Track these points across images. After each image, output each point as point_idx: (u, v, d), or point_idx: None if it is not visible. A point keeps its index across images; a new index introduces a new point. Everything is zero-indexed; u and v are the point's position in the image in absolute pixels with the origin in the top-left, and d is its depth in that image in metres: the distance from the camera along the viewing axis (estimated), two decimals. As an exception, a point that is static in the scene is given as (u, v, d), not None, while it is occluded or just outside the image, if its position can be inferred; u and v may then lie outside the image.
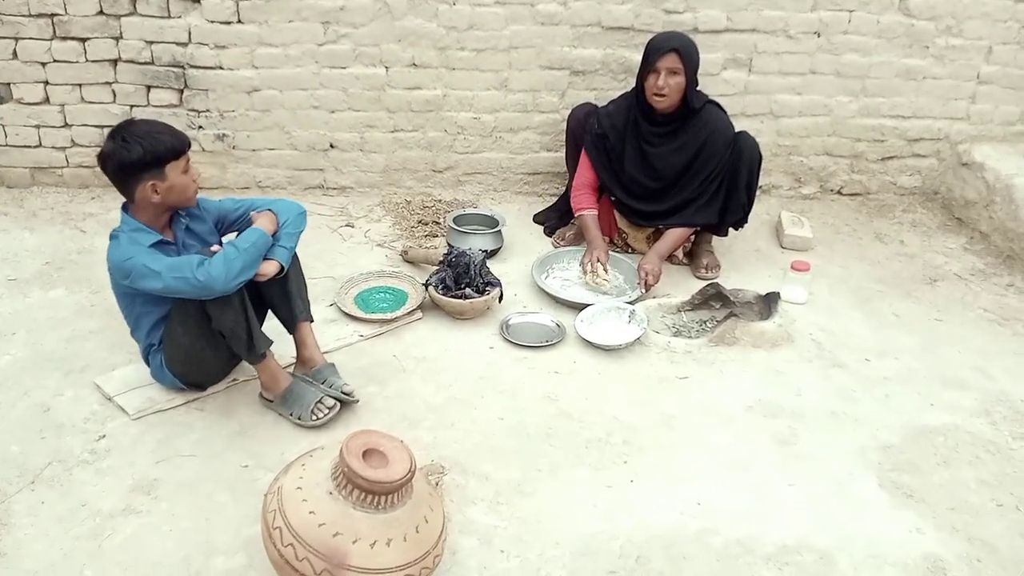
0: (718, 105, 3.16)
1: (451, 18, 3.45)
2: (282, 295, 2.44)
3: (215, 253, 2.20)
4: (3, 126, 3.50)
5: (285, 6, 3.35)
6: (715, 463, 2.34)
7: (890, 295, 3.26)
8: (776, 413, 2.56)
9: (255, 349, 2.28)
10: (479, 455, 2.32)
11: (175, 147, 2.19)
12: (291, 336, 2.53)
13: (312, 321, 2.53)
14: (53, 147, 3.56)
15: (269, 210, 2.42)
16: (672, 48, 2.91)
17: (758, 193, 3.91)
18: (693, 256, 3.35)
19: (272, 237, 2.34)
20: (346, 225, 3.55)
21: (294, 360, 2.56)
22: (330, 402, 2.37)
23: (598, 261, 3.11)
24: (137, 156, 2.15)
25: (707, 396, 2.62)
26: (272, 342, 2.36)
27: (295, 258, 2.46)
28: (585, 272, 3.13)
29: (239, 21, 3.37)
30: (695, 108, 3.05)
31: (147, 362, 2.44)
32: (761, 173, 3.84)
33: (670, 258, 3.36)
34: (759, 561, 2.03)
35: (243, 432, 2.36)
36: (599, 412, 2.52)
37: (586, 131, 3.24)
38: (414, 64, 3.53)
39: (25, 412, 2.39)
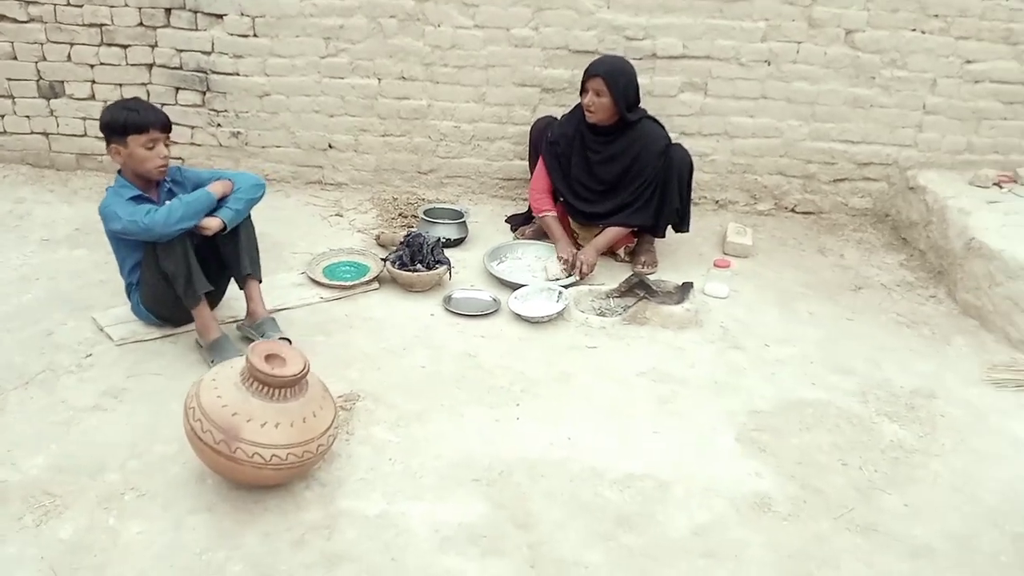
0: (655, 120, 3.55)
1: (436, 38, 3.95)
2: (233, 253, 2.86)
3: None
4: (56, 117, 4.14)
5: (293, 23, 3.91)
6: (594, 412, 2.69)
7: (812, 298, 3.55)
8: (665, 380, 2.89)
9: (193, 291, 2.71)
10: (394, 390, 2.73)
11: (137, 123, 2.65)
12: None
13: (260, 281, 2.94)
14: (96, 137, 4.16)
15: (228, 179, 2.88)
16: (596, 73, 3.35)
17: (714, 207, 4.29)
18: (634, 254, 3.71)
19: (222, 200, 2.80)
20: (336, 215, 4.05)
21: (234, 319, 3.01)
22: None
23: (575, 255, 3.50)
24: (105, 121, 2.70)
25: (607, 363, 2.97)
26: (211, 288, 2.79)
27: (249, 223, 2.90)
28: (561, 262, 3.50)
29: (255, 35, 3.94)
30: (630, 122, 3.45)
31: (129, 298, 2.94)
32: (718, 189, 4.23)
33: (614, 255, 3.74)
34: (605, 483, 2.37)
35: (201, 361, 2.81)
36: (509, 367, 2.90)
37: (543, 139, 3.68)
38: (403, 77, 4.03)
39: (33, 335, 2.92)
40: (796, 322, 3.34)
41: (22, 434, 2.43)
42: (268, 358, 2.19)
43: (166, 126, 2.75)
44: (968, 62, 3.95)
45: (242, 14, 3.89)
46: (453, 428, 2.56)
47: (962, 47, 3.92)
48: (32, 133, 4.19)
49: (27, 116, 4.14)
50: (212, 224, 2.75)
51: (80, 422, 2.50)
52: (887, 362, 3.09)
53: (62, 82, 4.07)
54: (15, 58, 4.01)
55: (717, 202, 4.30)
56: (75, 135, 4.18)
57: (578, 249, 3.61)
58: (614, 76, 3.36)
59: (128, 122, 2.69)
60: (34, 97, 4.10)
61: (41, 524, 2.11)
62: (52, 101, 4.11)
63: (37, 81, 4.07)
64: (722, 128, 4.13)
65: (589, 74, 3.39)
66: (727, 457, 2.52)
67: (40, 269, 3.38)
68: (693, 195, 4.19)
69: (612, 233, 3.57)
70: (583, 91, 3.42)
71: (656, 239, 3.75)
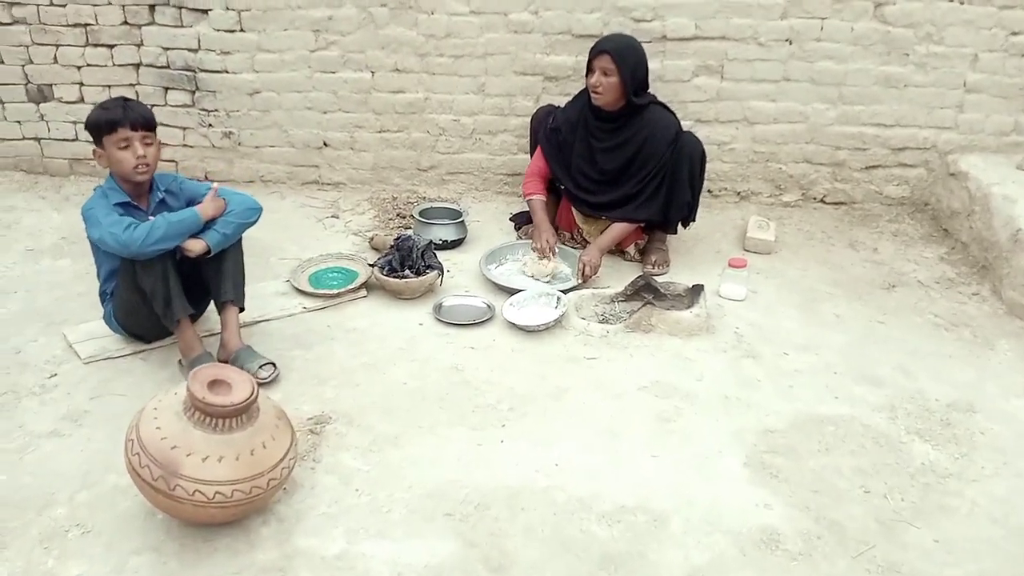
0: (665, 106, 3.28)
1: (430, 27, 3.72)
2: (216, 275, 2.67)
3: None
4: (47, 122, 4.02)
5: (280, 16, 3.72)
6: (587, 432, 2.45)
7: (839, 298, 3.24)
8: (669, 394, 2.63)
9: (171, 313, 2.54)
10: (370, 410, 2.52)
11: (108, 121, 2.49)
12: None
13: (241, 309, 2.74)
14: (88, 141, 4.02)
15: (221, 198, 2.68)
16: (604, 50, 3.09)
17: (736, 199, 4.01)
18: (644, 252, 3.45)
19: (212, 221, 2.60)
20: (331, 216, 3.85)
21: (210, 332, 2.82)
22: None
23: (546, 244, 3.30)
24: (86, 123, 2.58)
25: (606, 376, 2.72)
26: (191, 311, 2.62)
27: (238, 248, 2.71)
28: (536, 251, 3.31)
29: (241, 30, 3.76)
30: (637, 107, 3.18)
31: (103, 305, 2.78)
32: (739, 179, 3.94)
33: (622, 254, 3.48)
34: (593, 517, 2.13)
35: (172, 380, 2.65)
36: (498, 383, 2.67)
37: (543, 126, 3.44)
38: (397, 69, 3.81)
39: (1, 352, 2.78)
40: (820, 326, 3.04)
41: (-28, 464, 2.29)
42: (212, 384, 2.00)
43: (138, 123, 2.53)
44: (1013, 34, 3.58)
45: (227, 8, 3.71)
46: (430, 453, 2.35)
47: (1006, 18, 3.55)
48: (24, 139, 4.08)
49: (17, 121, 4.03)
50: (196, 247, 2.56)
51: (35, 449, 2.35)
52: (921, 371, 2.78)
53: (50, 85, 3.95)
54: (1, 62, 3.89)
55: (739, 194, 3.99)
56: (66, 139, 4.05)
57: (583, 247, 3.38)
58: (622, 53, 3.09)
59: (100, 122, 2.54)
60: (23, 101, 3.99)
61: (-25, 566, 1.96)
62: (41, 105, 3.99)
63: (25, 85, 3.95)
64: (741, 114, 3.82)
65: (596, 51, 3.14)
66: (733, 484, 2.26)
67: (19, 281, 3.25)
68: (712, 187, 3.96)
69: (617, 230, 3.32)
70: (589, 71, 3.16)
71: (668, 236, 3.49)
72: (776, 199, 4.00)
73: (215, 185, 2.70)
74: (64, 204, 3.94)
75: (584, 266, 3.20)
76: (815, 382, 2.71)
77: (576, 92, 3.42)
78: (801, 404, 2.60)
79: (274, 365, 2.66)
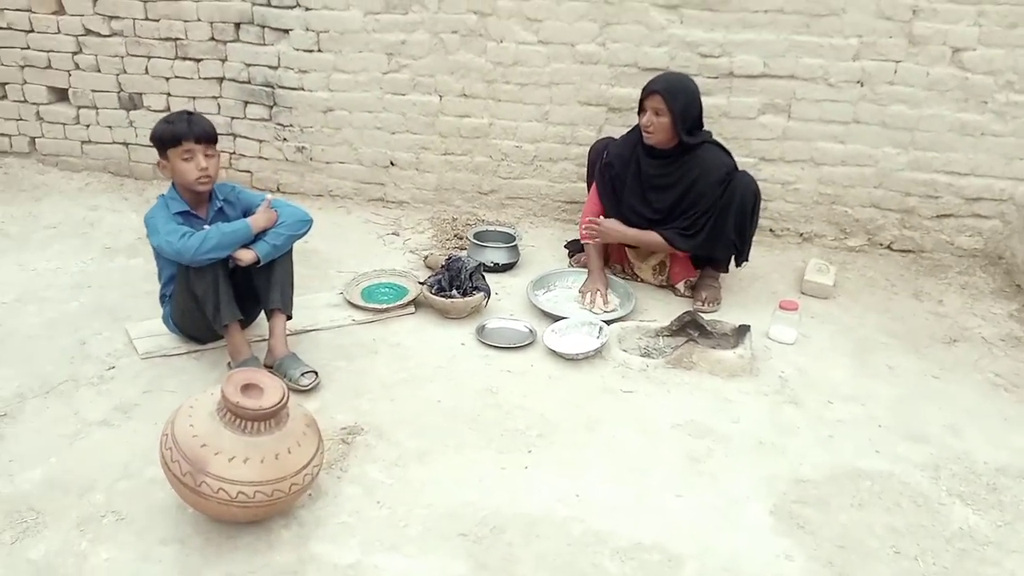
0: (719, 145, 3.25)
1: (498, 54, 3.79)
2: (265, 284, 2.78)
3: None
4: (135, 128, 4.27)
5: (356, 39, 3.86)
6: (614, 466, 2.43)
7: (895, 349, 3.13)
8: (703, 434, 2.59)
9: (220, 319, 2.66)
10: (401, 426, 2.57)
11: (173, 134, 2.64)
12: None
13: (289, 317, 2.83)
14: (167, 149, 4.28)
15: (274, 209, 2.80)
16: (655, 90, 3.09)
17: (798, 240, 3.93)
18: (695, 288, 3.40)
19: (264, 232, 2.72)
20: (392, 233, 3.96)
21: (261, 338, 2.92)
22: None
23: (597, 292, 3.30)
24: (150, 137, 2.73)
25: (640, 410, 2.69)
26: (240, 317, 2.73)
27: (288, 258, 2.81)
28: (583, 297, 3.32)
29: (319, 50, 3.92)
30: (690, 146, 3.17)
31: (162, 306, 2.94)
32: (802, 221, 3.87)
33: (673, 289, 3.45)
34: (607, 552, 2.11)
35: (221, 380, 2.74)
36: (530, 408, 2.68)
37: (600, 158, 3.45)
38: (464, 94, 3.90)
39: (69, 343, 2.96)
40: (870, 376, 2.94)
41: (28, 445, 2.43)
42: (245, 388, 2.08)
43: (202, 137, 2.69)
44: (1103, 85, 3.43)
45: (307, 29, 3.88)
46: (453, 473, 2.37)
47: (1095, 68, 3.40)
48: (113, 143, 4.34)
49: (109, 127, 4.30)
50: (246, 257, 2.69)
51: (85, 437, 2.48)
52: (972, 431, 2.65)
53: (140, 94, 4.20)
54: (98, 70, 4.17)
55: (801, 235, 3.91)
56: (152, 146, 4.24)
57: (633, 279, 3.38)
58: (673, 93, 3.09)
59: (164, 135, 2.69)
60: (115, 108, 4.25)
61: (17, 542, 2.09)
62: (131, 112, 4.25)
63: (118, 93, 4.21)
64: (807, 154, 3.75)
65: (647, 91, 3.14)
66: (756, 532, 2.21)
67: (94, 277, 3.46)
68: (774, 226, 3.91)
69: (649, 236, 3.29)
70: (641, 110, 3.18)
71: (721, 274, 3.44)
72: (840, 243, 3.90)
73: (269, 197, 2.82)
74: (144, 206, 4.11)
75: (594, 223, 3.30)
76: (857, 434, 2.62)
77: (633, 126, 3.43)
78: (839, 456, 2.51)
79: (316, 373, 2.74)
